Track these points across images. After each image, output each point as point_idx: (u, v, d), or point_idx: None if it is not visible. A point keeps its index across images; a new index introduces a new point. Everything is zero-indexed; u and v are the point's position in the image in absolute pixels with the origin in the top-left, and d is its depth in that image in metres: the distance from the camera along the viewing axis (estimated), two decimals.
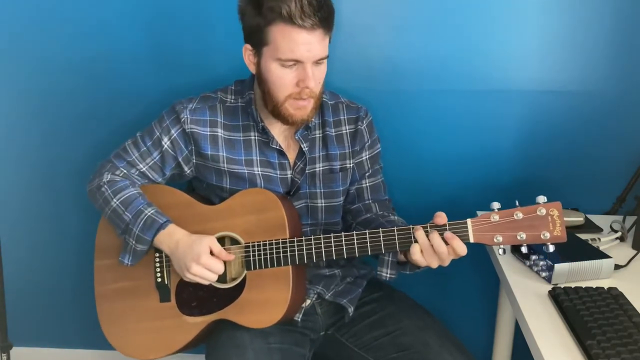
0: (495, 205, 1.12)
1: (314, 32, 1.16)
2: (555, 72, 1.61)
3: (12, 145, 1.77)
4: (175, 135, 1.32)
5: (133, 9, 1.61)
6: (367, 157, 1.42)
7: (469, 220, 1.13)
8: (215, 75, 1.61)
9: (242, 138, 1.33)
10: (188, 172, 1.36)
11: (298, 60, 1.18)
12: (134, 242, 1.27)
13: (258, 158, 1.33)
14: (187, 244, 1.23)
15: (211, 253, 1.22)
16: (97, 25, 1.64)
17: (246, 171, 1.32)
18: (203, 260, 1.20)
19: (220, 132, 1.32)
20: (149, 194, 1.33)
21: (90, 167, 1.73)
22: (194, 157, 1.34)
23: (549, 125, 1.64)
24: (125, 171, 1.34)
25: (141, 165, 1.34)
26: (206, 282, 1.24)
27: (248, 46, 1.24)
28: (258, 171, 1.33)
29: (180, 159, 1.34)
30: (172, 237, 1.25)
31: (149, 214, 1.26)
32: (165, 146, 1.33)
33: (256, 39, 1.20)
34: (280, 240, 1.22)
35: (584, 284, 1.19)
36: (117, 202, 1.29)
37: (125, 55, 1.66)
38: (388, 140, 1.52)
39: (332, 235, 1.20)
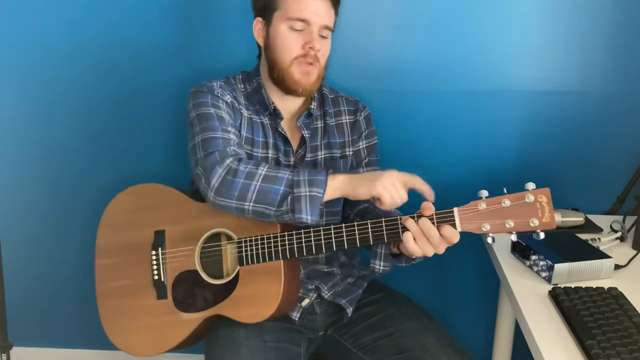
0: (483, 193, 1.10)
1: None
2: (555, 72, 1.61)
3: (12, 143, 1.77)
4: (223, 99, 1.30)
5: (143, 3, 1.61)
6: (364, 146, 1.45)
7: (455, 209, 1.12)
8: (222, 69, 1.60)
9: (259, 120, 1.36)
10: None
11: (305, 20, 1.26)
12: (307, 189, 1.15)
13: (271, 141, 1.36)
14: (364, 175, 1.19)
15: None
16: (101, 22, 1.64)
17: (260, 154, 1.34)
18: (400, 177, 1.16)
19: (244, 111, 1.35)
20: (144, 193, 1.34)
21: (92, 166, 1.74)
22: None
23: (549, 125, 1.64)
24: (232, 148, 1.23)
25: (231, 135, 1.25)
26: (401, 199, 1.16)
27: (259, 19, 1.32)
28: (271, 154, 1.35)
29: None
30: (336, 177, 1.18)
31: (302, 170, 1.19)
32: (223, 107, 1.29)
33: (268, 7, 1.29)
34: (272, 235, 1.22)
35: (584, 284, 1.19)
36: (265, 169, 1.17)
37: (129, 53, 1.66)
38: (388, 139, 1.52)
39: (321, 228, 1.20)
